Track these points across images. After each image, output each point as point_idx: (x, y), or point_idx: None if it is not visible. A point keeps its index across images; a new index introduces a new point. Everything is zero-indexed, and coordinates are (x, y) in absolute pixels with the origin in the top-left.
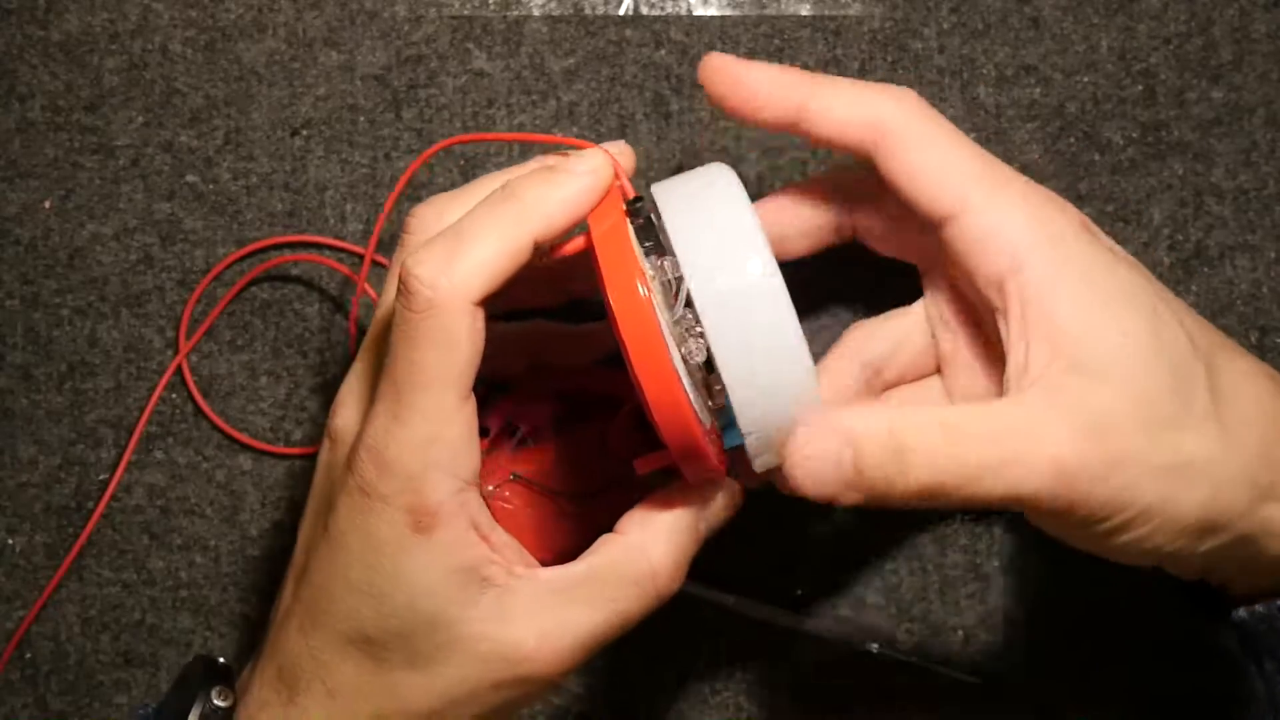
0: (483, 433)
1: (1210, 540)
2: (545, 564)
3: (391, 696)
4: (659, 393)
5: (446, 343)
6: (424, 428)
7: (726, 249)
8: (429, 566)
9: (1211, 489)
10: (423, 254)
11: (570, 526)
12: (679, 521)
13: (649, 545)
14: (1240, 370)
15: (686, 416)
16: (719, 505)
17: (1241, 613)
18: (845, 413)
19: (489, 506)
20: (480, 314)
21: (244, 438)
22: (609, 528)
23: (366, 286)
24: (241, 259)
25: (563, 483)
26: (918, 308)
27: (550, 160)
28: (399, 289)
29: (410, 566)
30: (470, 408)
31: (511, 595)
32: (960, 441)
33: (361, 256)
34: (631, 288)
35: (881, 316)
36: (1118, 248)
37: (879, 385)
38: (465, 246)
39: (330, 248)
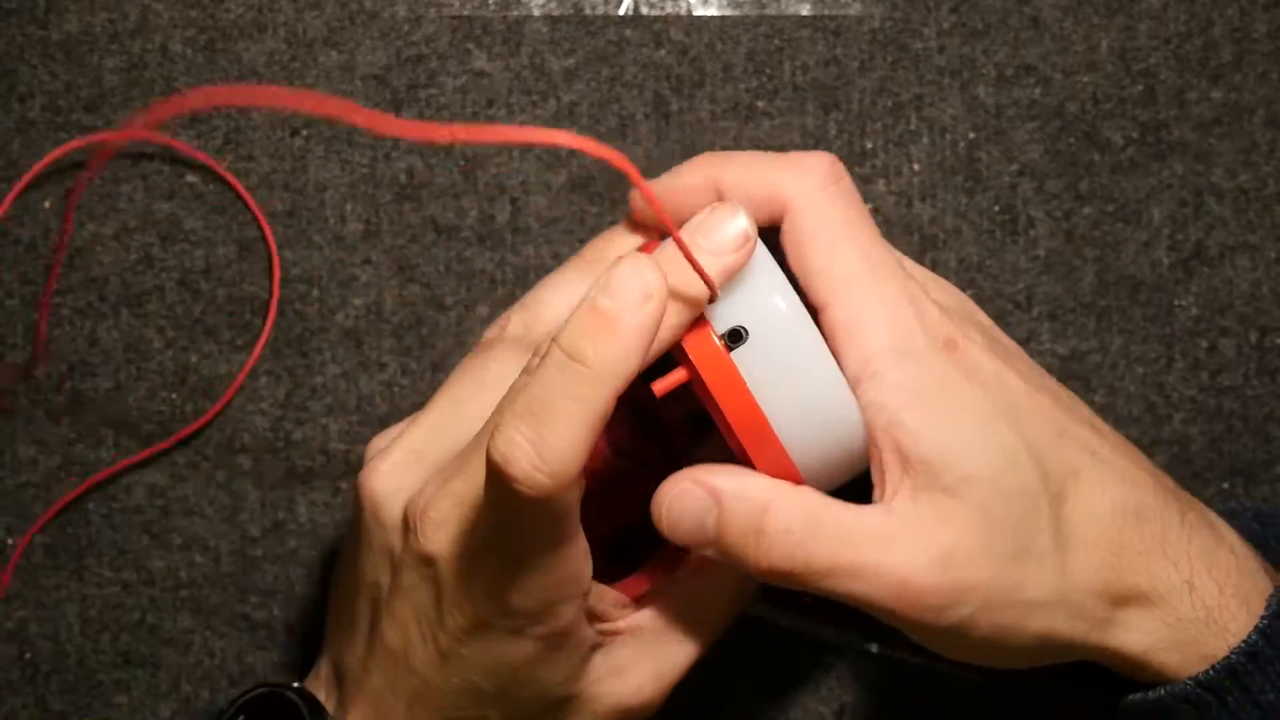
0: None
1: (1050, 659)
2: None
3: None
4: (769, 465)
5: (556, 522)
6: (544, 578)
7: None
8: (560, 668)
9: (1048, 621)
10: (511, 450)
11: (609, 499)
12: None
13: (724, 576)
14: (1099, 483)
15: (788, 469)
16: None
17: (1129, 698)
18: (723, 473)
19: None
20: (581, 479)
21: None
22: (608, 528)
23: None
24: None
25: (596, 459)
26: None
27: (597, 287)
28: (492, 472)
29: (543, 674)
30: (581, 538)
31: (620, 646)
32: (819, 540)
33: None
34: (751, 410)
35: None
36: (999, 356)
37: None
38: (550, 433)
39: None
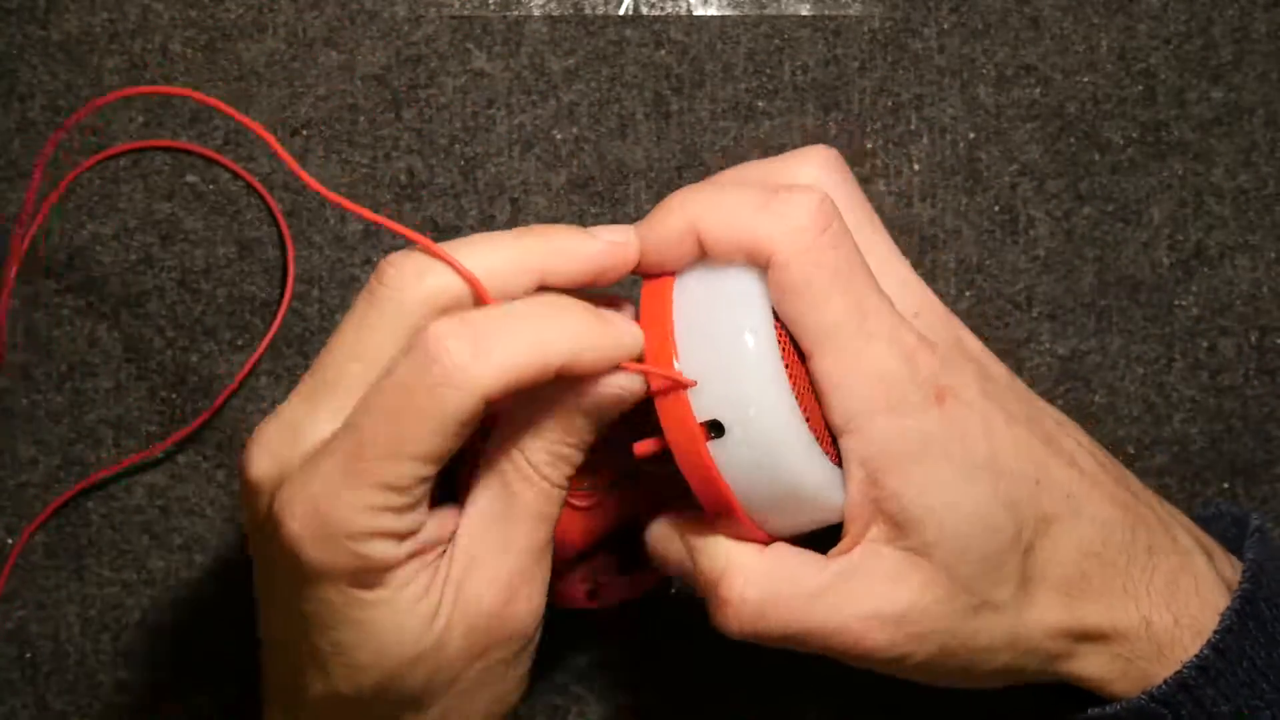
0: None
1: (1014, 682)
2: (558, 560)
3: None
4: (713, 504)
5: (441, 425)
6: (377, 498)
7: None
8: (383, 628)
9: (1005, 660)
10: (456, 327)
11: (574, 520)
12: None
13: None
14: (1070, 520)
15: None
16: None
17: (1089, 712)
18: (695, 527)
19: None
20: (480, 412)
21: None
22: (614, 524)
23: None
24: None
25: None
26: None
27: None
28: (413, 349)
29: (368, 618)
30: (432, 479)
31: (443, 621)
32: (775, 606)
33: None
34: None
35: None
36: (974, 409)
37: None
38: (498, 341)
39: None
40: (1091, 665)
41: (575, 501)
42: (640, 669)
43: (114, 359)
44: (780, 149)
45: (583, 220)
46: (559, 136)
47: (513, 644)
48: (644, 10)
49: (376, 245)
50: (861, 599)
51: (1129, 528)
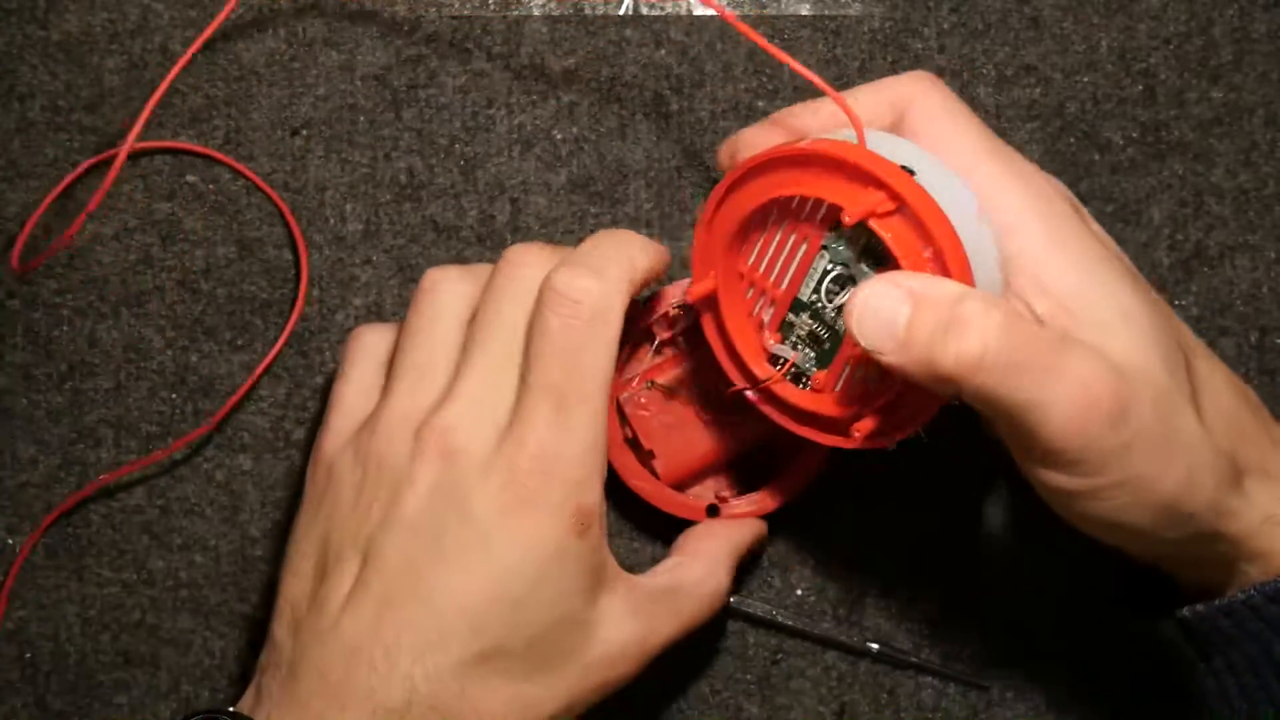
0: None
1: (1174, 529)
2: (675, 473)
3: (520, 710)
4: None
5: (608, 350)
6: (589, 432)
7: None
8: (575, 568)
9: (1188, 470)
10: (571, 273)
11: (702, 435)
12: (736, 549)
13: (718, 568)
14: (1210, 367)
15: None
16: (754, 536)
17: (1185, 612)
18: (915, 275)
19: (625, 413)
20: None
21: None
22: (740, 444)
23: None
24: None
25: (696, 392)
26: None
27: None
28: (547, 300)
29: (561, 569)
30: (607, 423)
31: (619, 599)
32: (1012, 339)
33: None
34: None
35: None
36: (1109, 240)
37: None
38: (605, 265)
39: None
40: (1255, 506)
41: (699, 414)
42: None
43: (114, 359)
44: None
45: (582, 220)
46: (559, 136)
47: (612, 689)
48: (644, 10)
49: (376, 245)
50: (1085, 348)
51: (1254, 402)
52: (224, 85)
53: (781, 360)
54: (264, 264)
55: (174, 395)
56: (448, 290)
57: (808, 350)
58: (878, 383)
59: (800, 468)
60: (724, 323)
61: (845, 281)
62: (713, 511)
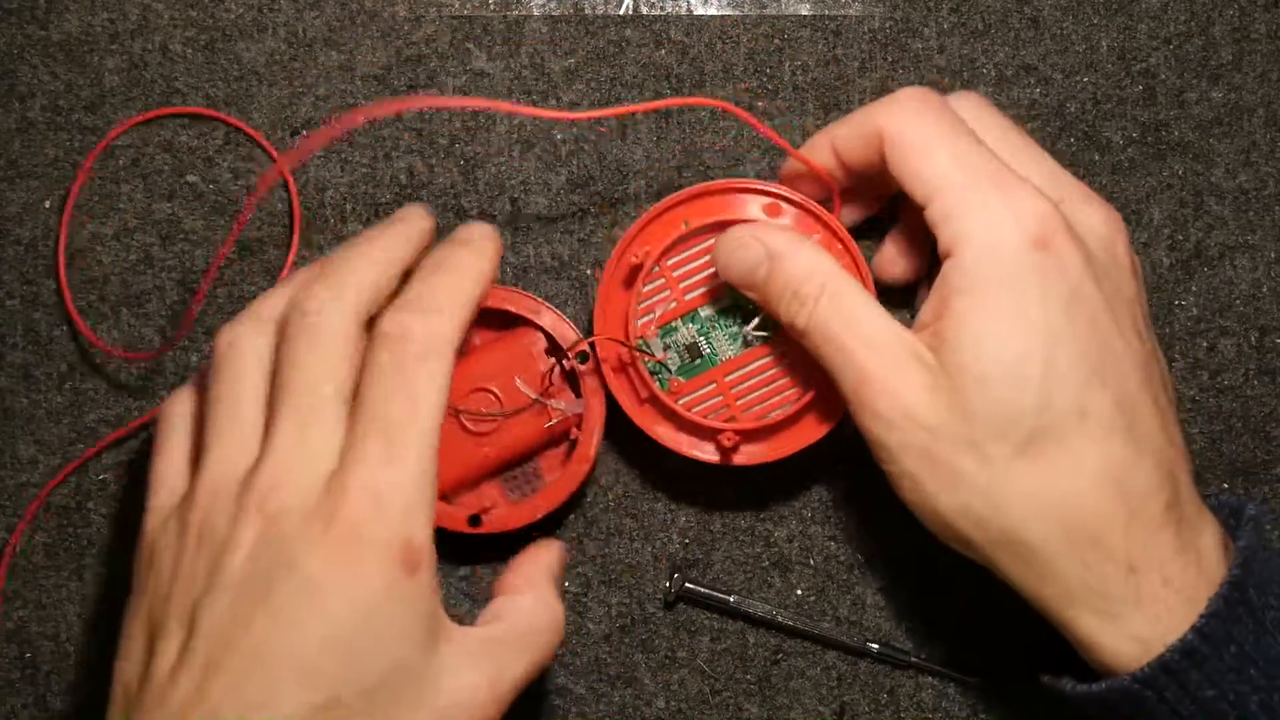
0: None
1: (965, 549)
2: (441, 484)
3: None
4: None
5: (441, 384)
6: (419, 467)
7: None
8: (407, 611)
9: (974, 515)
10: (403, 315)
11: (466, 446)
12: (549, 570)
13: (544, 593)
14: (1090, 439)
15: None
16: (558, 556)
17: (1065, 686)
18: (779, 234)
19: None
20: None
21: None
22: (511, 455)
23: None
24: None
25: (467, 402)
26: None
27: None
28: (378, 341)
29: (392, 612)
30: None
31: (456, 646)
32: (843, 329)
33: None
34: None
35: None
36: (1070, 271)
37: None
38: (440, 308)
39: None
40: (1068, 591)
41: (474, 429)
42: (641, 669)
43: (113, 359)
44: (780, 149)
45: (582, 221)
46: (559, 136)
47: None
48: (644, 10)
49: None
50: (883, 367)
51: (1153, 485)
52: (224, 85)
53: (646, 348)
54: (265, 264)
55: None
56: (245, 348)
57: (678, 355)
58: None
59: (566, 478)
60: (604, 286)
61: (746, 326)
62: (474, 521)
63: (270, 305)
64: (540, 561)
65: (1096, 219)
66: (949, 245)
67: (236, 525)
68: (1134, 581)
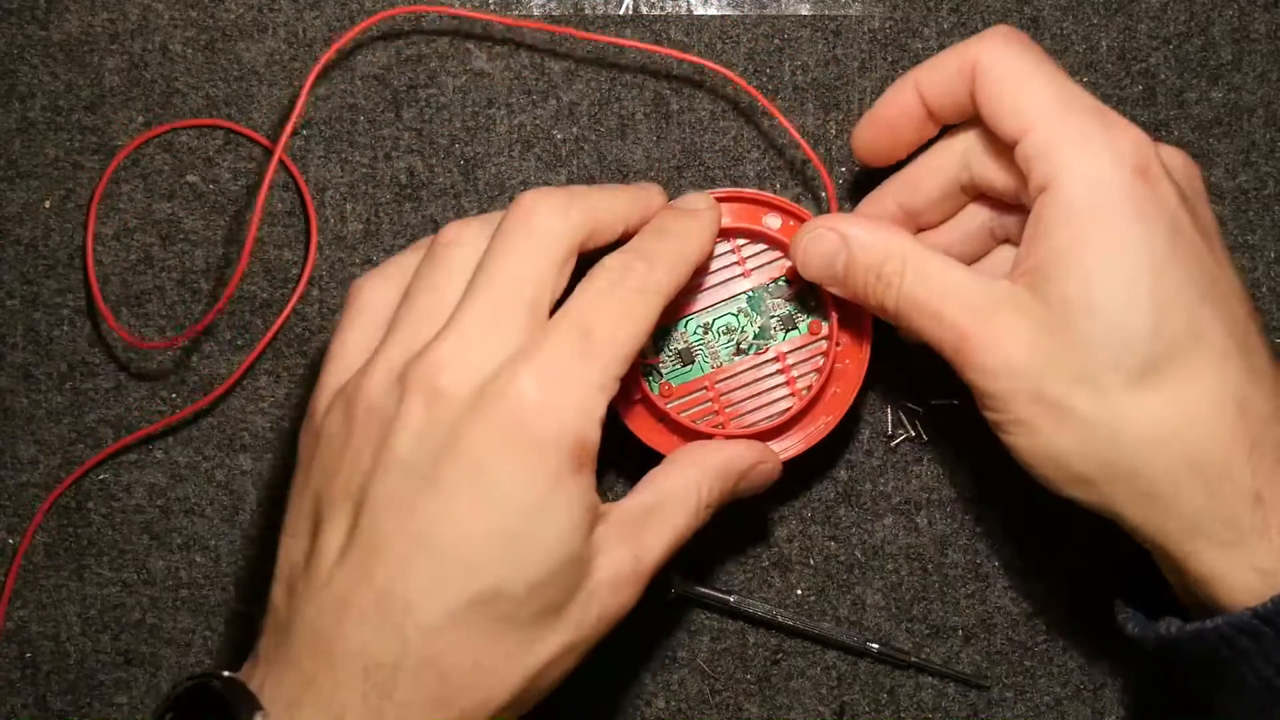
0: None
1: (1083, 491)
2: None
3: (521, 659)
4: None
5: (647, 323)
6: (607, 372)
7: None
8: (573, 506)
9: (1090, 449)
10: (627, 255)
11: None
12: (725, 464)
13: (703, 478)
14: (1207, 363)
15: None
16: (761, 472)
17: (1162, 628)
18: (853, 221)
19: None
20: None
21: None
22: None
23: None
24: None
25: None
26: (950, 160)
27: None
28: (597, 269)
29: (559, 507)
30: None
31: (607, 527)
32: (931, 297)
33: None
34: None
35: (918, 163)
36: (1167, 200)
37: (913, 225)
38: (661, 261)
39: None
40: (1197, 523)
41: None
42: (642, 669)
43: (114, 359)
44: (780, 149)
45: None
46: (559, 136)
47: (615, 620)
48: (644, 10)
49: (377, 245)
50: (980, 320)
51: (1273, 403)
52: (224, 85)
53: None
54: (265, 264)
55: (174, 395)
56: (467, 243)
57: (669, 358)
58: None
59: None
60: None
61: (740, 334)
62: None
63: (498, 215)
64: (713, 448)
65: (1174, 154)
66: (1045, 178)
67: (404, 403)
68: (1260, 510)
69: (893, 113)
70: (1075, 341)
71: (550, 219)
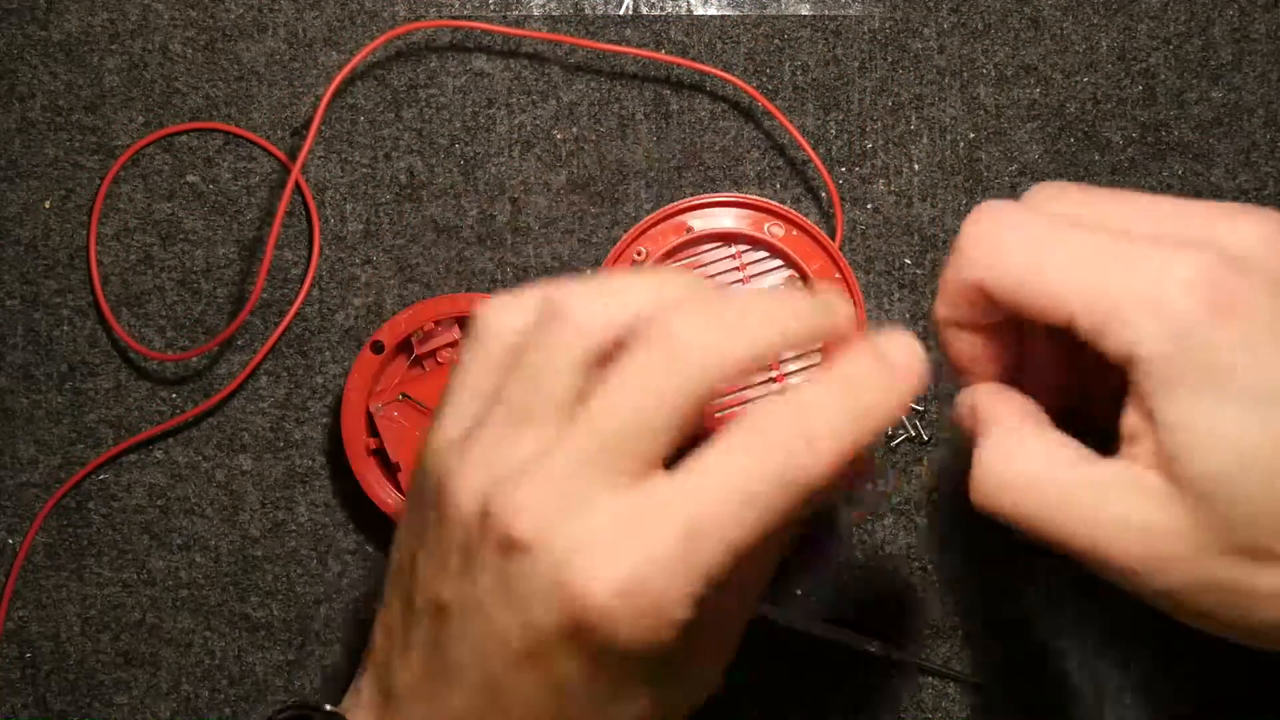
0: (377, 348)
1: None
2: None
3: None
4: None
5: (774, 523)
6: (705, 577)
7: None
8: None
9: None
10: (793, 430)
11: None
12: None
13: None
14: None
15: None
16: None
17: None
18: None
19: (375, 423)
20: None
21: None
22: None
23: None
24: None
25: None
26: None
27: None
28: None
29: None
30: None
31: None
32: (1054, 516)
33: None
34: None
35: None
36: (1273, 301)
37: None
38: (833, 432)
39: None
40: None
41: None
42: None
43: (114, 359)
44: (780, 149)
45: (582, 221)
46: (559, 136)
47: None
48: (644, 10)
49: (376, 245)
50: (1111, 528)
51: None
52: (224, 85)
53: None
54: (263, 264)
55: (174, 395)
56: (589, 334)
57: None
58: None
59: None
60: None
61: None
62: None
63: (628, 285)
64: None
65: (1247, 230)
66: (1119, 351)
67: (483, 545)
68: None
69: (966, 355)
70: (1224, 515)
71: (701, 349)
